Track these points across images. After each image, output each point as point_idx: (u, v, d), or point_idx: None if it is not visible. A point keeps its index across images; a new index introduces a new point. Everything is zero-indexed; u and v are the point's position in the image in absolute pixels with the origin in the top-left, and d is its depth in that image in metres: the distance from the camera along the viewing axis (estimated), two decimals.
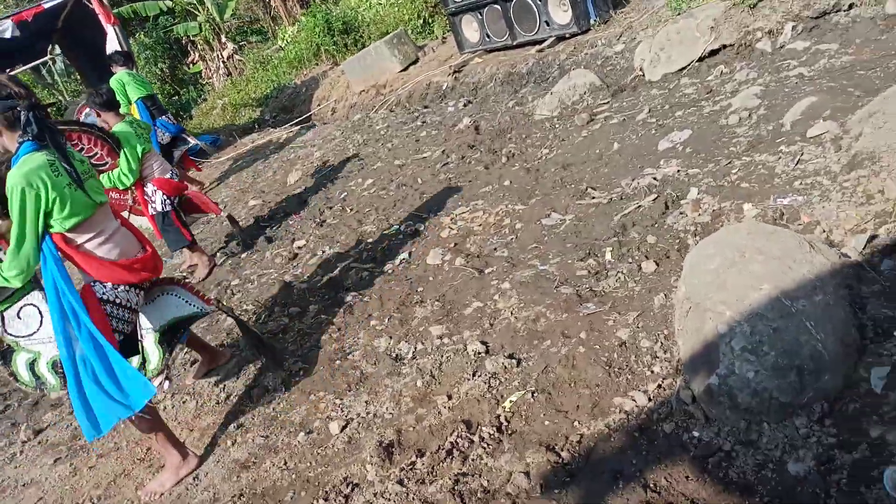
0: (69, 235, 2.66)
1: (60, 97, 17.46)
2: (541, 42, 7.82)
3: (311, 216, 5.79)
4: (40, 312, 2.72)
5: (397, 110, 8.65)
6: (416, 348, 3.23)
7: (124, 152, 4.60)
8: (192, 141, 7.16)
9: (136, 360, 2.81)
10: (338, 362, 3.37)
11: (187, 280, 3.05)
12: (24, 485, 3.41)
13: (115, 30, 8.87)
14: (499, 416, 2.57)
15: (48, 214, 2.56)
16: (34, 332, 2.72)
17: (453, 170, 5.48)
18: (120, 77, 6.84)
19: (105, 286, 2.75)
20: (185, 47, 18.85)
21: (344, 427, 2.86)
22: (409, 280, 3.93)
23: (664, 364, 2.51)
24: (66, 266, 2.65)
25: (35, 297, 2.72)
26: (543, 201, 4.22)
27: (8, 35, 8.79)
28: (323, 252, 4.89)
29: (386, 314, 3.63)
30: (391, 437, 2.67)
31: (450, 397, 2.78)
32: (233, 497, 2.71)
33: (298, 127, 10.08)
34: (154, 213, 4.90)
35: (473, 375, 2.85)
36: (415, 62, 9.98)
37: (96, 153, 4.54)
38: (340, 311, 3.87)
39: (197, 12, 16.67)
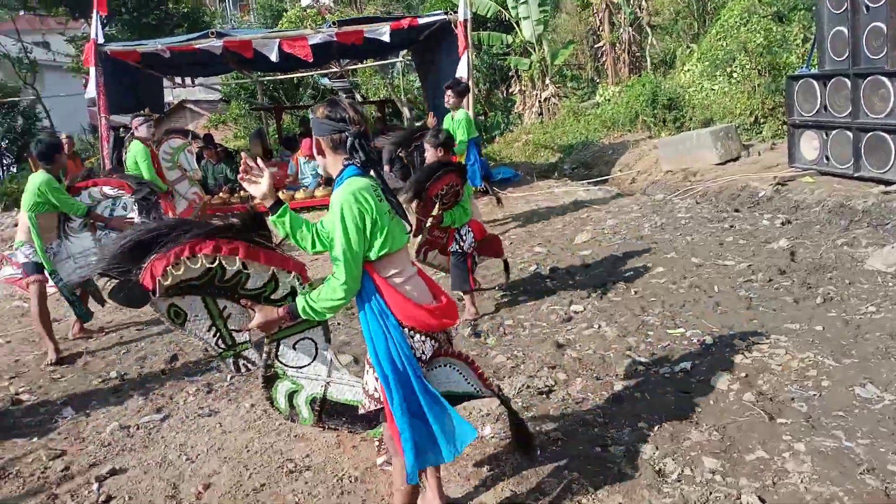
0: (376, 266, 2.55)
1: (393, 93, 19.60)
2: (889, 184, 7.13)
3: (592, 284, 5.85)
4: (315, 348, 2.79)
5: (703, 203, 8.42)
6: (682, 472, 3.11)
7: (465, 191, 5.06)
8: (491, 191, 7.67)
9: None
10: (597, 449, 3.37)
11: (473, 360, 2.90)
12: (295, 436, 3.87)
13: (467, 57, 9.74)
14: None
15: (368, 236, 2.49)
16: (304, 366, 2.78)
17: (757, 290, 5.20)
18: (467, 118, 7.44)
19: (404, 330, 2.57)
20: (507, 76, 20.11)
21: None
22: (687, 395, 3.80)
23: None
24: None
25: (316, 332, 2.77)
26: (860, 366, 3.84)
27: (385, 38, 10.08)
28: (599, 326, 4.92)
29: (656, 421, 3.55)
30: None
31: None
32: None
33: (596, 187, 10.25)
34: (455, 251, 5.28)
35: None
36: (735, 159, 9.65)
37: (453, 191, 4.97)
38: (608, 397, 3.87)
39: (532, 51, 17.68)
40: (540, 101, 18.07)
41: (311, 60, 10.42)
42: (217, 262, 2.50)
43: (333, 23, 10.80)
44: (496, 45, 18.46)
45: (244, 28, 24.27)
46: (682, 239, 6.81)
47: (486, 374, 2.91)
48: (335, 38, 10.20)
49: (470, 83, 9.98)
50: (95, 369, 5.22)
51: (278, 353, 2.75)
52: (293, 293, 2.63)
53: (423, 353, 2.63)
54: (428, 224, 5.19)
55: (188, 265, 2.46)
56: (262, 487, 3.40)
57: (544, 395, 3.98)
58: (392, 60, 15.56)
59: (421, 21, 10.56)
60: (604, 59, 18.25)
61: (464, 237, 5.29)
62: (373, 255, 2.52)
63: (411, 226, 2.67)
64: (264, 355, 2.75)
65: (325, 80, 24.49)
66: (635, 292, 5.54)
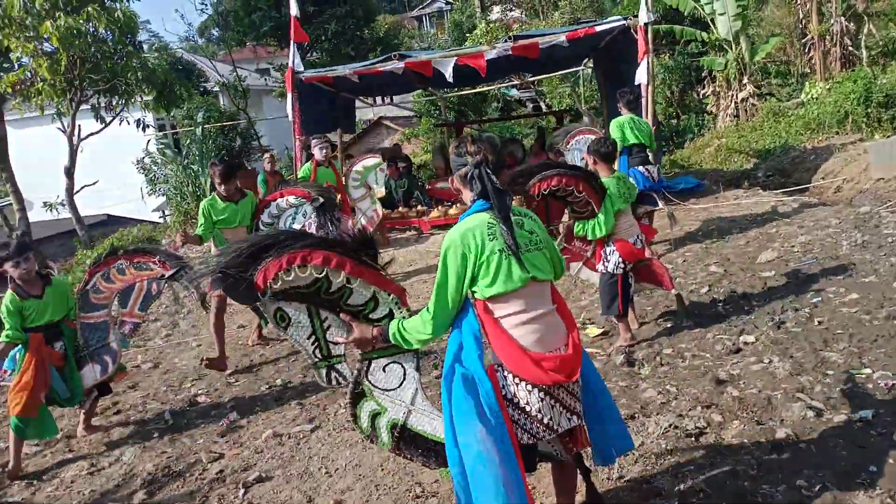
0: (490, 305, 2.50)
1: (577, 101, 19.26)
2: None
3: (771, 311, 5.27)
4: (404, 373, 2.78)
5: None
6: None
7: (604, 206, 4.74)
8: (661, 205, 7.07)
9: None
10: None
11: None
12: None
13: (647, 62, 9.27)
14: None
15: (473, 279, 2.47)
16: (391, 389, 2.79)
17: None
18: (622, 122, 7.15)
19: (507, 377, 2.50)
20: (701, 76, 18.90)
21: None
22: (862, 450, 3.26)
23: None
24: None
25: (407, 357, 2.78)
26: None
27: (563, 45, 9.92)
28: (770, 362, 4.40)
29: (818, 479, 3.08)
30: None
31: None
32: None
33: (791, 197, 9.28)
34: (603, 271, 5.00)
35: None
36: None
37: (582, 200, 4.68)
38: (767, 445, 3.43)
39: (728, 49, 16.48)
40: (736, 102, 16.77)
41: (485, 75, 10.48)
42: (325, 273, 2.62)
43: (509, 37, 10.82)
44: (692, 42, 17.46)
45: (437, 47, 25.20)
46: (885, 260, 5.92)
47: (567, 438, 2.68)
48: (511, 52, 10.21)
49: (649, 89, 9.51)
50: (266, 375, 5.65)
51: (368, 372, 2.78)
52: (391, 315, 2.71)
53: (529, 404, 2.47)
54: (559, 229, 5.01)
55: (298, 273, 2.60)
56: None
57: (693, 438, 3.63)
58: (573, 69, 15.24)
59: (598, 28, 10.23)
60: (811, 53, 16.53)
61: (608, 257, 4.98)
62: (482, 295, 2.48)
63: (525, 267, 2.46)
64: (355, 372, 2.81)
65: (514, 91, 24.75)
66: (819, 322, 4.90)
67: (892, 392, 3.73)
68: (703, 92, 18.56)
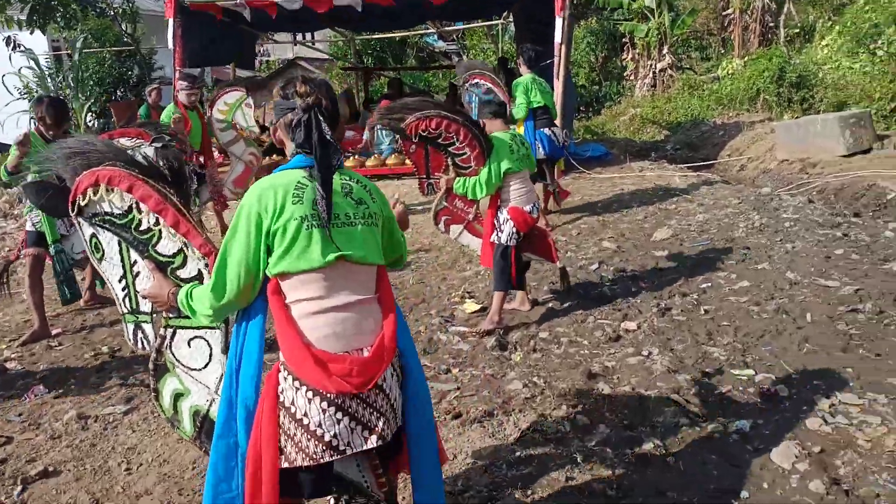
0: (282, 284, 1.97)
1: (495, 55, 18.65)
2: None
3: (658, 295, 4.92)
4: (210, 354, 2.29)
5: (817, 202, 7.13)
6: None
7: (489, 163, 4.24)
8: (559, 179, 6.67)
9: None
10: None
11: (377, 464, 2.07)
12: None
13: (563, 20, 8.72)
14: None
15: (269, 249, 1.94)
16: (194, 370, 2.32)
17: (862, 326, 4.11)
18: (525, 83, 6.67)
19: (288, 378, 1.94)
20: (622, 44, 18.65)
21: None
22: (735, 469, 2.90)
23: None
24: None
25: (214, 334, 2.28)
26: None
27: None
28: (648, 354, 4.03)
29: (685, 501, 2.70)
30: None
31: None
32: None
33: (695, 173, 9.04)
34: (496, 242, 4.49)
35: None
36: (865, 152, 8.19)
37: (465, 154, 4.21)
38: (631, 458, 3.02)
39: (651, 17, 16.19)
40: (654, 72, 16.60)
41: (395, 8, 9.67)
42: (135, 203, 2.23)
43: None
44: (617, 8, 17.09)
45: None
46: (780, 246, 5.68)
47: (383, 478, 2.10)
48: None
49: (563, 49, 8.99)
50: (96, 340, 4.90)
51: (172, 343, 2.33)
52: (200, 278, 2.24)
53: (308, 416, 1.88)
54: (434, 183, 4.59)
55: (103, 195, 2.24)
56: None
57: (552, 444, 3.19)
58: (493, 22, 14.57)
59: None
60: (731, 28, 16.47)
61: (501, 226, 4.46)
62: (272, 270, 1.96)
63: (334, 243, 1.93)
64: (158, 339, 2.36)
65: (441, 42, 23.80)
66: (706, 311, 4.58)
67: (774, 399, 3.39)
68: (623, 59, 18.32)
